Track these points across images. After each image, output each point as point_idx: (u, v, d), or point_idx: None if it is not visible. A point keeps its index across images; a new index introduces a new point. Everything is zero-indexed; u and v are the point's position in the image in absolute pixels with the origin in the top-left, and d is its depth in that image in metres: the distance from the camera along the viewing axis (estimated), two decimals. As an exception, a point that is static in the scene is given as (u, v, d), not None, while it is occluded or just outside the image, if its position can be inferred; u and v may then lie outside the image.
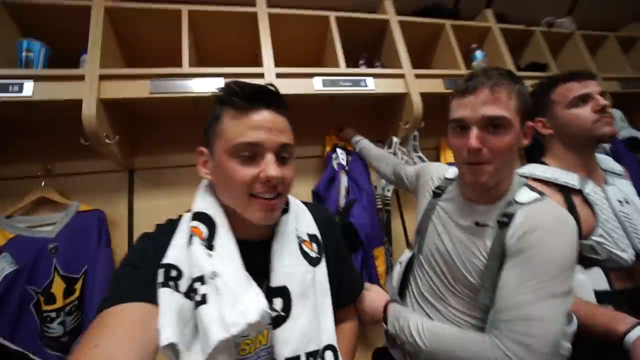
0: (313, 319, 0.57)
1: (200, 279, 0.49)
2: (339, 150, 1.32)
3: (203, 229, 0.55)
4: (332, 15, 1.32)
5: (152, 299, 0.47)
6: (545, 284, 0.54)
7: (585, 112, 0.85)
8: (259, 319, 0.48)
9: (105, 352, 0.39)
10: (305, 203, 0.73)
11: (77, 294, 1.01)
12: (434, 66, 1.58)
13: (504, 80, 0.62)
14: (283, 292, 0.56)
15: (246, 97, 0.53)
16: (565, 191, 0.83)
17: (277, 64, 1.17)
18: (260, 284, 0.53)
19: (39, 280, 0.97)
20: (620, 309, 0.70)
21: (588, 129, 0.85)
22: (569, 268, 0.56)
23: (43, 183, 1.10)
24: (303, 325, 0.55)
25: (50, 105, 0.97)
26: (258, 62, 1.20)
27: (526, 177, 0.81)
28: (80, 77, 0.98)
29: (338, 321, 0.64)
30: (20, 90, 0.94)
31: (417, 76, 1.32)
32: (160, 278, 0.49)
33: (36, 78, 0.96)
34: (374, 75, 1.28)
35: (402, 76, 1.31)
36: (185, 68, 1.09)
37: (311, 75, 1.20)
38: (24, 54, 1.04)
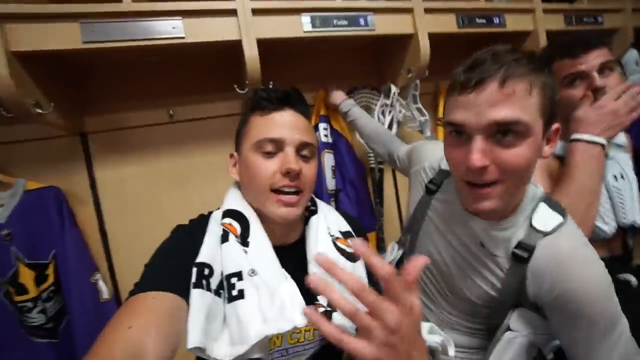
0: None
1: (237, 275, 0.51)
2: (321, 126, 1.16)
3: (236, 226, 0.56)
4: None
5: (182, 293, 0.47)
6: (614, 342, 0.46)
7: (577, 94, 0.77)
8: (300, 316, 0.48)
9: (137, 335, 0.39)
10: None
11: (51, 279, 0.94)
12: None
13: (521, 68, 0.45)
14: None
15: (272, 100, 0.58)
16: (562, 160, 0.78)
17: (253, -4, 0.89)
18: (299, 288, 0.54)
19: (0, 271, 0.88)
20: None
21: None
22: (617, 306, 0.48)
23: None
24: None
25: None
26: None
27: None
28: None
29: None
30: None
31: (427, 10, 1.08)
32: (194, 278, 0.49)
33: None
34: (375, 10, 1.03)
35: (409, 11, 1.06)
36: (128, 3, 0.80)
37: (298, 11, 0.94)
38: None
